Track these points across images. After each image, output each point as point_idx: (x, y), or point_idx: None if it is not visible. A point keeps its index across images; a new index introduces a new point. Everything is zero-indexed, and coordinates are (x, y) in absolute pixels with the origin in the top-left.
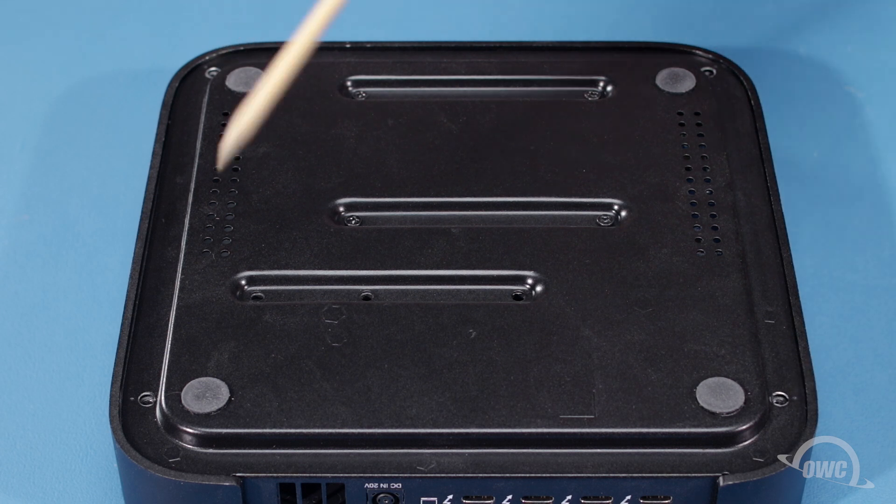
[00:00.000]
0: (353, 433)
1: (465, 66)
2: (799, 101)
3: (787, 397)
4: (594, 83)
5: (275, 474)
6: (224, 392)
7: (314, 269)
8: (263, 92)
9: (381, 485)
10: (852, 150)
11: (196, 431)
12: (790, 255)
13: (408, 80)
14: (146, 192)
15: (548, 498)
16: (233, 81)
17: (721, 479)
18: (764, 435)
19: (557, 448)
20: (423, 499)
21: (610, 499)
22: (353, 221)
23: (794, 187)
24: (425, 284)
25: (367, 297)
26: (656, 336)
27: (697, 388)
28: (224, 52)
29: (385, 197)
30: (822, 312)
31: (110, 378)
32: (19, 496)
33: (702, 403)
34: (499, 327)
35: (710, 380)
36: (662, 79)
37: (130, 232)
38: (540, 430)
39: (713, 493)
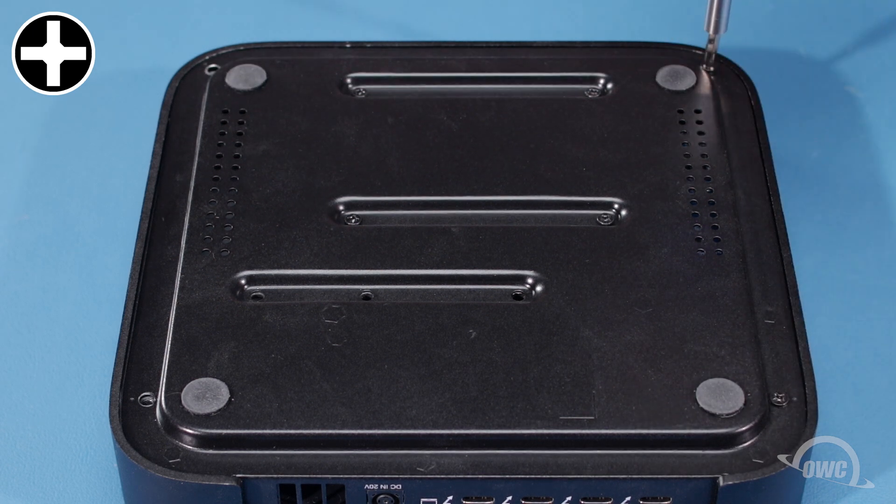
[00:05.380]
0: (353, 434)
1: (465, 63)
2: (799, 101)
3: (787, 398)
4: (594, 80)
5: (275, 475)
6: (224, 393)
7: (314, 268)
8: None
9: (381, 486)
10: (852, 150)
11: (196, 432)
12: (790, 255)
13: (408, 77)
14: (146, 191)
15: (548, 499)
16: (232, 79)
17: (721, 479)
18: (764, 435)
19: (557, 449)
20: (423, 500)
21: (610, 500)
22: (353, 220)
23: (794, 187)
24: (425, 284)
25: (367, 297)
26: (656, 336)
27: (697, 389)
28: (224, 51)
29: (385, 196)
30: (822, 312)
31: (110, 378)
32: (19, 496)
33: (702, 404)
34: (499, 327)
35: (710, 381)
36: (663, 76)
37: (130, 232)
38: (540, 432)
39: (713, 494)
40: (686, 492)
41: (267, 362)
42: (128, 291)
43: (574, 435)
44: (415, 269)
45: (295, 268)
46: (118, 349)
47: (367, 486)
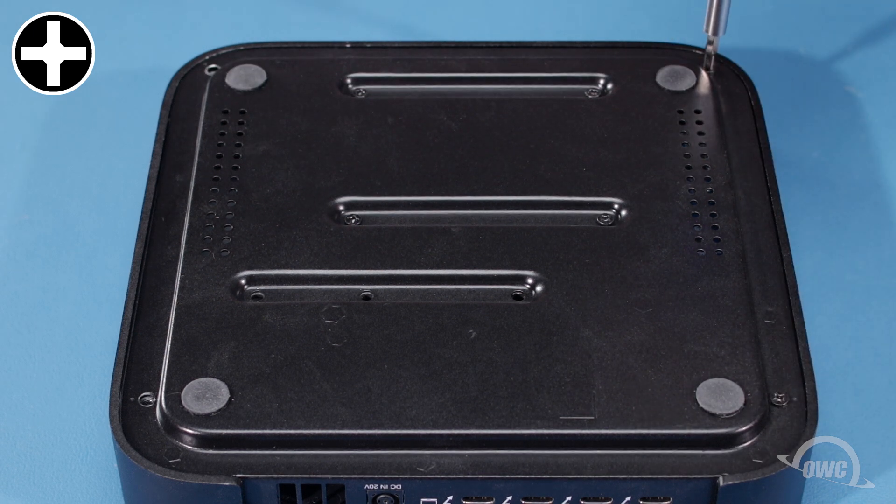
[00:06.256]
0: (353, 434)
1: (465, 63)
2: (799, 101)
3: (787, 398)
4: (594, 81)
5: (275, 475)
6: (224, 393)
7: (314, 268)
8: None
9: (381, 486)
10: (852, 150)
11: (196, 432)
12: (790, 255)
13: (408, 77)
14: (146, 191)
15: (548, 499)
16: (233, 79)
17: (721, 479)
18: (764, 435)
19: (557, 449)
20: (423, 500)
21: (610, 500)
22: (353, 220)
23: (794, 187)
24: (425, 284)
25: (367, 297)
26: (656, 336)
27: (697, 389)
28: (224, 51)
29: (385, 196)
30: (822, 312)
31: (110, 378)
32: (19, 496)
33: (702, 405)
34: (499, 327)
35: (710, 381)
36: (663, 76)
37: (130, 232)
38: (540, 432)
39: (713, 494)
40: (686, 492)
41: (267, 362)
42: (128, 291)
43: (574, 435)
44: (415, 269)
45: (295, 268)
46: (118, 349)
47: (367, 486)
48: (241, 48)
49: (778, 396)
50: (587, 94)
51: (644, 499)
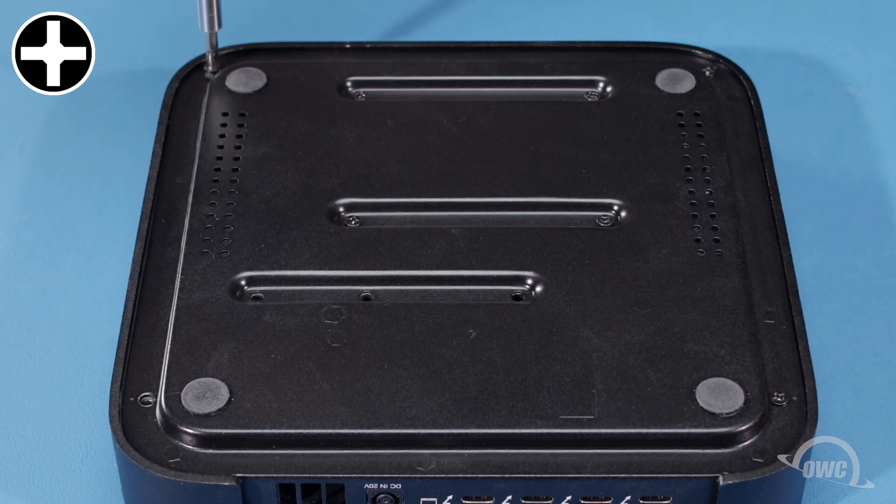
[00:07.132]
0: (352, 434)
1: (464, 66)
2: (799, 101)
3: (787, 397)
4: (594, 83)
5: (275, 475)
6: (224, 392)
7: (314, 269)
8: None
9: (381, 485)
10: (852, 150)
11: (196, 432)
12: (790, 255)
13: (407, 80)
14: (146, 192)
15: (547, 498)
16: (233, 82)
17: (721, 479)
18: (764, 435)
19: (557, 448)
20: (422, 499)
21: (610, 499)
22: (353, 222)
23: (794, 187)
24: (425, 285)
25: (366, 298)
26: (656, 336)
27: (697, 388)
28: (224, 52)
29: (385, 197)
30: (822, 312)
31: (110, 378)
32: (19, 496)
33: (701, 404)
34: (499, 327)
35: (710, 380)
36: (662, 79)
37: (130, 232)
38: (539, 431)
39: (713, 494)
40: (686, 491)
41: (267, 362)
42: (128, 291)
43: (574, 434)
44: (414, 269)
45: (295, 269)
46: (118, 349)
47: (366, 485)
48: (241, 48)
49: (778, 396)
50: (587, 97)
51: (644, 498)
